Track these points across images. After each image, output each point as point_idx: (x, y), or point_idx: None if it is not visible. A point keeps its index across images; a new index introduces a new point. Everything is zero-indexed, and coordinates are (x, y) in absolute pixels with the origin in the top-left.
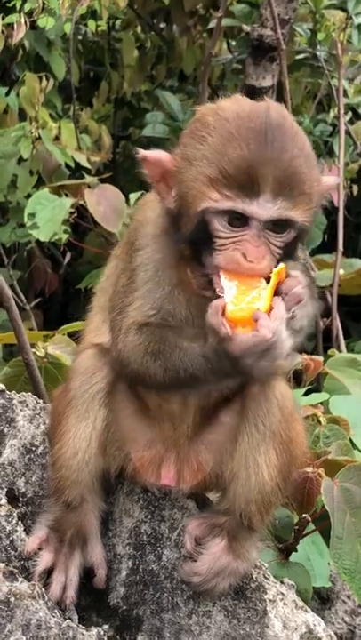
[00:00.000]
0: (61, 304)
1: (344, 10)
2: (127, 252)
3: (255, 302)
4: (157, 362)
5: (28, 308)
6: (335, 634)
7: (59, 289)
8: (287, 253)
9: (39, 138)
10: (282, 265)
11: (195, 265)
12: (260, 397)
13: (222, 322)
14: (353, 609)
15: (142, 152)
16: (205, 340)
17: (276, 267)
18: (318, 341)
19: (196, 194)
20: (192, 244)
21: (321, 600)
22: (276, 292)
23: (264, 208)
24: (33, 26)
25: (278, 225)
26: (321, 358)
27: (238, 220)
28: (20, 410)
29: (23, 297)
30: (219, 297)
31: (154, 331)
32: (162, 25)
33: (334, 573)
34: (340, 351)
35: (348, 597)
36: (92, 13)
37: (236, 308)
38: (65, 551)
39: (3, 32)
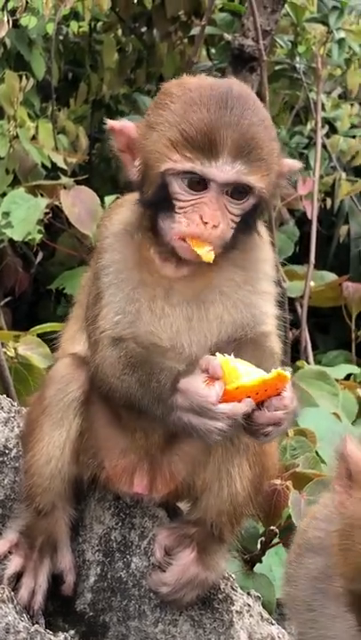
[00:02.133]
0: (30, 303)
1: (325, 24)
2: (94, 259)
3: (243, 373)
4: (134, 375)
5: None
6: None
7: (28, 288)
8: (245, 224)
9: (17, 136)
10: (288, 373)
11: (156, 240)
12: None
13: (208, 362)
14: None
15: (109, 122)
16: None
17: (230, 236)
18: (286, 352)
19: (158, 156)
20: (153, 209)
21: (280, 611)
22: (262, 401)
23: (222, 170)
24: (15, 24)
25: (236, 191)
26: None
27: (198, 183)
28: None
29: None
30: (182, 267)
31: (131, 345)
32: (143, 29)
33: None
34: (308, 363)
35: None
36: (75, 14)
37: (227, 359)
38: (35, 557)
39: None
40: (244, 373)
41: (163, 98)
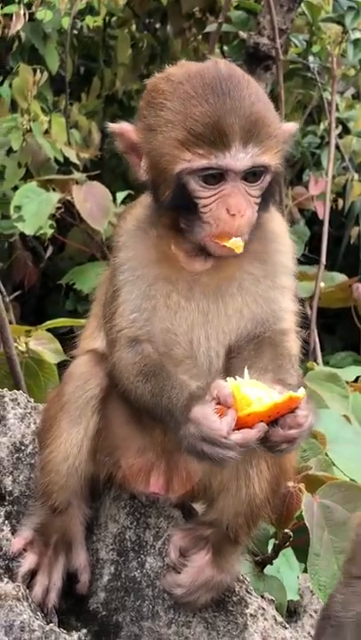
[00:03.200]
0: (38, 298)
1: (341, 24)
2: (112, 257)
3: (255, 398)
4: (147, 385)
5: (7, 299)
6: None
7: (37, 283)
8: (264, 200)
9: (30, 130)
10: (301, 393)
11: (179, 238)
12: None
13: (218, 390)
14: None
15: (110, 126)
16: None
17: (256, 216)
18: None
19: (169, 158)
20: (174, 211)
21: (288, 613)
22: (277, 418)
23: (237, 159)
24: (31, 18)
25: (253, 174)
26: (300, 371)
27: (214, 177)
28: (12, 408)
29: (3, 288)
30: (209, 261)
31: (147, 350)
32: (157, 25)
33: (303, 587)
34: (317, 364)
35: (315, 612)
36: (90, 9)
37: (237, 385)
38: (49, 555)
39: (0, 22)
40: (255, 399)
41: (154, 96)
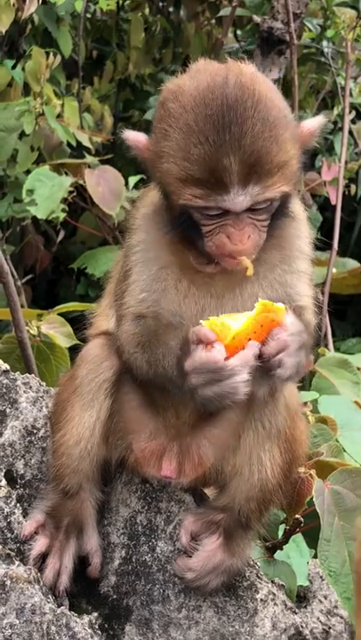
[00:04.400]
0: (50, 282)
1: (355, 8)
2: (126, 238)
3: (232, 323)
4: (144, 355)
5: (19, 283)
6: (310, 632)
7: (49, 267)
8: (279, 213)
9: (42, 114)
10: (280, 305)
11: (189, 246)
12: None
13: (196, 334)
14: (329, 609)
15: (125, 132)
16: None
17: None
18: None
19: (172, 189)
20: (182, 228)
21: (298, 599)
22: (264, 340)
23: (236, 201)
24: (44, 1)
25: (258, 205)
26: (311, 357)
27: (216, 210)
28: (24, 391)
29: (15, 272)
30: (217, 269)
31: (148, 323)
32: (171, 9)
33: (312, 572)
34: (328, 349)
35: (325, 597)
36: None
37: (213, 320)
38: (61, 538)
39: (14, 4)
40: (233, 323)
41: (163, 117)
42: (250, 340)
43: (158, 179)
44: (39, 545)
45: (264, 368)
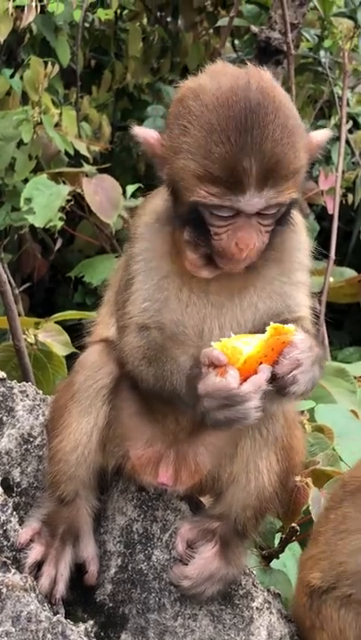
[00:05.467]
0: (47, 290)
1: (353, 19)
2: (127, 247)
3: (243, 346)
4: (150, 369)
5: (16, 291)
6: None
7: (46, 275)
8: (283, 220)
9: (40, 123)
10: (290, 327)
11: (191, 246)
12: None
13: (207, 356)
14: None
15: (135, 128)
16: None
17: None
18: None
19: (186, 186)
20: (189, 225)
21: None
22: (275, 361)
23: (251, 202)
24: (42, 10)
25: (268, 208)
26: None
27: (228, 210)
28: (21, 400)
29: (12, 280)
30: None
31: (153, 335)
32: (169, 19)
33: None
34: (326, 359)
35: None
36: (101, 2)
37: (224, 342)
38: (57, 545)
39: (12, 14)
40: (244, 346)
41: (182, 113)
42: (261, 363)
43: (170, 175)
44: (35, 553)
45: (278, 387)
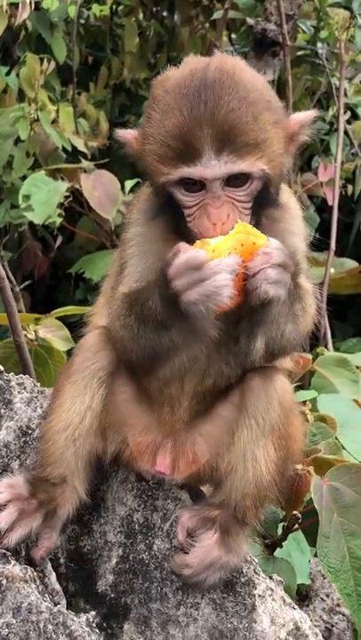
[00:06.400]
0: (48, 287)
1: (348, 9)
2: (122, 234)
3: (213, 240)
4: (132, 315)
5: (17, 289)
6: (309, 628)
7: (47, 272)
8: (264, 200)
9: (37, 120)
10: (247, 224)
11: (179, 235)
12: (260, 391)
13: (174, 249)
14: (331, 607)
15: (118, 131)
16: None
17: (248, 220)
18: (305, 340)
19: (154, 170)
20: (168, 214)
21: (300, 597)
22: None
23: (208, 166)
24: (37, 7)
25: (236, 179)
26: (310, 356)
27: (194, 184)
28: (18, 392)
29: (13, 278)
30: None
31: (131, 294)
32: (164, 13)
33: (314, 571)
34: (327, 349)
35: (327, 595)
36: None
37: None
38: (32, 505)
39: (6, 11)
40: (212, 240)
41: (150, 104)
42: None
43: (144, 166)
44: (5, 515)
45: (250, 288)
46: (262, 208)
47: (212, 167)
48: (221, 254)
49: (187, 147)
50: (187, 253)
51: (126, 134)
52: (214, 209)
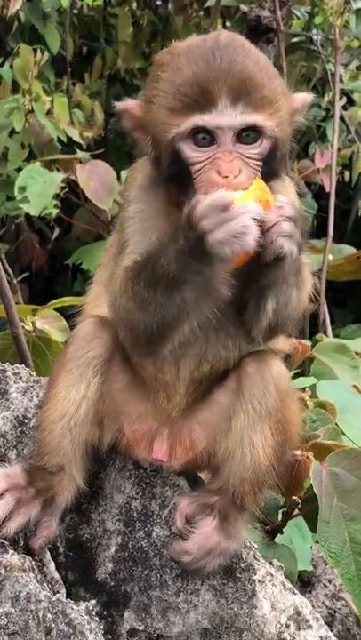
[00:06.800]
0: (46, 279)
1: None
2: (119, 214)
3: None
4: (140, 282)
5: (15, 281)
6: (310, 612)
7: (45, 264)
8: (269, 168)
9: (32, 111)
10: (261, 181)
11: (181, 208)
12: (256, 376)
13: (195, 199)
14: (334, 593)
15: (117, 104)
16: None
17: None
18: (305, 326)
19: (162, 127)
20: (174, 180)
21: (302, 583)
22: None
23: (224, 114)
24: None
25: (247, 135)
26: (309, 343)
27: (205, 139)
28: (14, 382)
29: (10, 270)
30: None
31: (141, 261)
32: (158, 2)
33: (316, 557)
34: (326, 336)
35: (329, 581)
36: None
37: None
38: (30, 493)
39: None
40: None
41: (155, 70)
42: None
43: (149, 129)
44: (2, 505)
45: (266, 241)
46: (267, 177)
47: (228, 115)
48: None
49: (203, 93)
50: (214, 195)
51: (127, 103)
52: (226, 162)
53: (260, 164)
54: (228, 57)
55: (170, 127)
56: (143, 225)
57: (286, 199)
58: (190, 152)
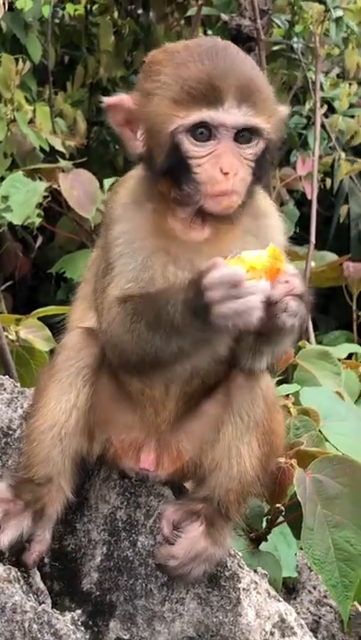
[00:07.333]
0: (30, 288)
1: (323, 3)
2: (103, 233)
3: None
4: (142, 321)
5: None
6: (294, 620)
7: (28, 273)
8: (259, 169)
9: (14, 120)
10: (276, 247)
11: (175, 208)
12: (245, 388)
13: (209, 263)
14: (318, 599)
15: (105, 99)
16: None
17: (250, 182)
18: None
19: (164, 118)
20: (169, 174)
21: (287, 590)
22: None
23: (230, 114)
24: (10, 7)
25: (246, 135)
26: (292, 349)
27: (202, 134)
28: None
29: None
30: (205, 228)
31: (136, 298)
32: (139, 11)
33: (301, 563)
34: (309, 343)
35: (314, 588)
36: None
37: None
38: (18, 505)
39: None
40: (247, 258)
41: (152, 66)
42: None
43: (145, 122)
44: None
45: (269, 315)
46: (254, 181)
47: (234, 115)
48: (256, 276)
49: (212, 89)
50: (226, 268)
51: (120, 96)
52: (228, 159)
53: (253, 165)
54: (230, 59)
55: (173, 118)
56: (130, 246)
57: (295, 271)
58: (190, 146)
